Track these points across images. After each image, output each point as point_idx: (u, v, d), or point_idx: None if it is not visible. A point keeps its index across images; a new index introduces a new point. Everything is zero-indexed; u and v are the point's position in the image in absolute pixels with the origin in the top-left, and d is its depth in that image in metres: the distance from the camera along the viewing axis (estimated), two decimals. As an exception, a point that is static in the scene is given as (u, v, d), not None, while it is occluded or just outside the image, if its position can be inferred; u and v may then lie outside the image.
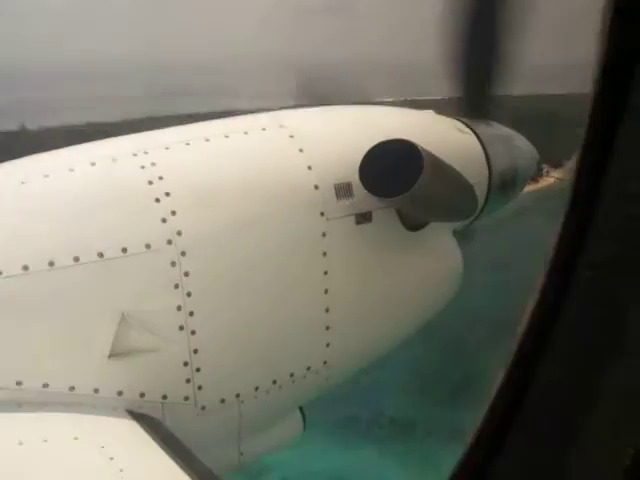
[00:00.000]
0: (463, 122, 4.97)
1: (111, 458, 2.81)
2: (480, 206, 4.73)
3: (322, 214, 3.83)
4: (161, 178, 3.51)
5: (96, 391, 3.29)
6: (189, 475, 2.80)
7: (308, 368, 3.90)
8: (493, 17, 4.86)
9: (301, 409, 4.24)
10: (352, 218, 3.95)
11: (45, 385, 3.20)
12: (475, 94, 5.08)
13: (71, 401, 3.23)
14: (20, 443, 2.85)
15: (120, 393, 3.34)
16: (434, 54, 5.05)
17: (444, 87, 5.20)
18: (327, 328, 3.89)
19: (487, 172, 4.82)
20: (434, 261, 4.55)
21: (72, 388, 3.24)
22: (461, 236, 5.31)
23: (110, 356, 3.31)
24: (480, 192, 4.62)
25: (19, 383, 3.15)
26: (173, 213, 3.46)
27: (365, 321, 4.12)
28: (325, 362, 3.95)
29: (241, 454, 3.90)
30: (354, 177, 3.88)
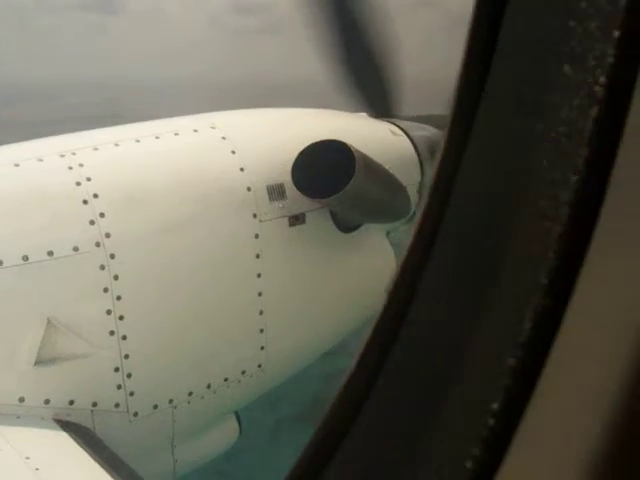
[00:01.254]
0: (396, 124, 5.00)
1: (37, 469, 2.71)
2: (413, 207, 4.75)
3: (255, 216, 3.80)
4: (89, 179, 3.42)
5: (21, 400, 3.18)
6: None
7: (243, 372, 3.85)
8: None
9: (237, 414, 4.19)
10: (285, 220, 3.93)
11: None
12: (376, 98, 5.11)
13: None
14: None
15: (47, 401, 3.23)
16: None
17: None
18: (261, 331, 3.86)
19: (420, 174, 4.86)
20: (368, 262, 4.56)
21: None
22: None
23: (36, 363, 3.21)
24: (413, 194, 4.64)
25: None
26: (102, 215, 3.37)
27: (300, 323, 4.10)
28: (260, 365, 3.91)
29: (175, 461, 3.83)
30: (287, 178, 3.86)
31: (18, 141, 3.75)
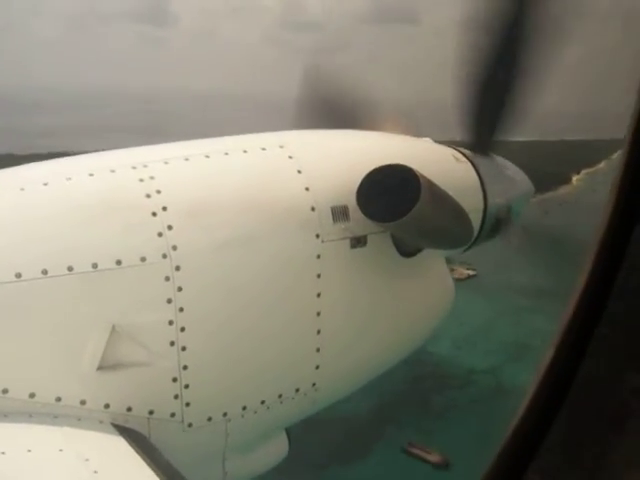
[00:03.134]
0: (460, 151, 5.00)
1: (95, 472, 2.77)
2: (475, 234, 4.74)
3: (317, 236, 3.83)
4: (159, 192, 3.51)
5: (83, 403, 3.26)
6: None
7: (297, 390, 3.88)
8: (510, 61, 4.84)
9: (287, 430, 4.21)
10: (347, 241, 3.95)
11: (31, 395, 3.16)
12: (482, 134, 5.08)
13: (57, 412, 3.20)
14: (3, 453, 2.81)
15: (107, 406, 3.31)
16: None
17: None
18: (317, 350, 3.88)
19: (483, 201, 4.84)
20: (426, 286, 4.55)
21: (59, 399, 3.21)
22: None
23: (99, 368, 3.28)
24: (475, 221, 4.63)
25: (5, 391, 3.12)
26: (169, 227, 3.45)
27: (355, 345, 4.11)
28: (314, 384, 3.93)
29: (226, 473, 3.87)
30: (351, 200, 3.89)
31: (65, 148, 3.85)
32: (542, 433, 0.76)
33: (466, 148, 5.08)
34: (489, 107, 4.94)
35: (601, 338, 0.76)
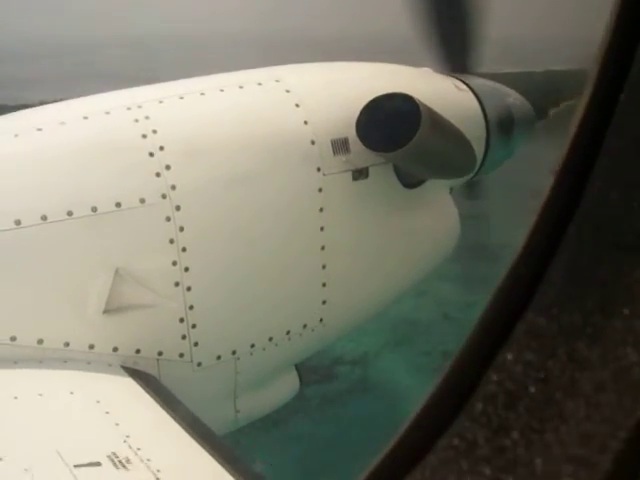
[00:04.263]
0: (460, 79, 4.91)
1: (107, 412, 2.80)
2: (478, 163, 4.68)
3: (318, 169, 3.79)
4: (155, 132, 3.46)
5: (91, 347, 3.27)
6: (186, 431, 2.79)
7: (304, 326, 3.88)
8: None
9: (297, 367, 4.23)
10: (349, 174, 3.90)
11: (40, 341, 3.18)
12: (456, 53, 5.02)
13: (66, 357, 3.22)
14: (15, 397, 2.83)
15: (115, 349, 3.32)
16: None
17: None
18: (323, 285, 3.87)
19: (485, 129, 4.77)
20: (431, 218, 4.52)
21: (67, 344, 3.22)
22: (469, 192, 5.28)
23: (105, 312, 3.29)
24: (478, 149, 4.57)
25: (13, 339, 3.13)
26: (167, 167, 3.41)
27: (361, 278, 4.09)
28: (321, 319, 3.93)
29: (237, 411, 3.89)
30: (351, 132, 3.83)
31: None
32: (544, 267, 0.72)
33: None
34: (453, 31, 4.89)
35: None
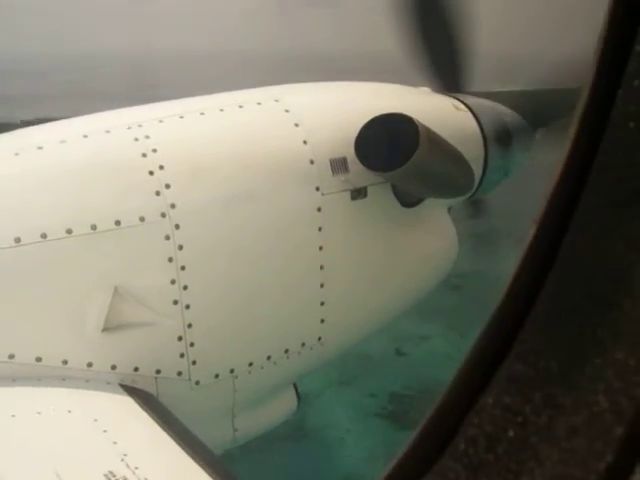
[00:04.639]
0: (459, 99, 4.94)
1: (104, 431, 2.80)
2: (476, 183, 4.70)
3: (317, 189, 3.81)
4: (155, 151, 3.48)
5: (89, 365, 3.28)
6: (183, 449, 2.79)
7: (303, 344, 3.89)
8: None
9: (295, 385, 4.23)
10: (347, 193, 3.93)
11: (38, 359, 3.19)
12: (448, 72, 5.06)
13: (64, 375, 3.22)
14: (13, 415, 2.84)
15: (114, 367, 3.32)
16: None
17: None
18: (322, 304, 3.88)
19: (483, 149, 4.79)
20: (429, 238, 4.53)
21: (65, 362, 3.23)
22: (471, 211, 5.29)
23: (103, 330, 3.30)
24: (476, 168, 4.59)
25: (11, 356, 3.14)
26: (167, 186, 3.43)
27: (359, 297, 4.11)
28: (320, 338, 3.94)
29: (235, 430, 3.90)
30: (349, 152, 3.85)
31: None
32: (523, 316, 0.74)
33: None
34: (443, 49, 4.94)
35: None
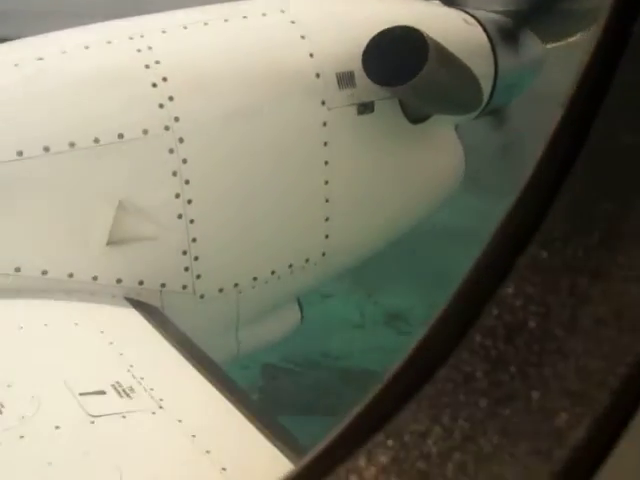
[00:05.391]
0: (470, 14, 4.81)
1: (111, 343, 2.84)
2: (485, 100, 4.62)
3: (323, 103, 3.74)
4: (158, 62, 3.41)
5: (95, 278, 3.29)
6: (188, 361, 2.83)
7: (307, 260, 3.89)
8: None
9: (299, 301, 4.26)
10: (354, 108, 3.86)
11: (44, 272, 3.20)
12: None
13: (70, 288, 3.24)
14: (21, 327, 2.87)
15: (119, 281, 3.34)
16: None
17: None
18: (326, 219, 3.86)
19: (493, 65, 4.69)
20: (436, 155, 4.48)
21: (71, 275, 3.25)
22: (492, 121, 5.20)
23: (108, 243, 3.30)
24: (486, 85, 4.50)
25: (18, 269, 3.15)
26: (170, 99, 3.37)
27: (364, 213, 4.09)
28: (324, 254, 3.93)
29: (239, 343, 3.94)
30: (357, 66, 3.76)
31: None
32: (549, 201, 0.72)
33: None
34: None
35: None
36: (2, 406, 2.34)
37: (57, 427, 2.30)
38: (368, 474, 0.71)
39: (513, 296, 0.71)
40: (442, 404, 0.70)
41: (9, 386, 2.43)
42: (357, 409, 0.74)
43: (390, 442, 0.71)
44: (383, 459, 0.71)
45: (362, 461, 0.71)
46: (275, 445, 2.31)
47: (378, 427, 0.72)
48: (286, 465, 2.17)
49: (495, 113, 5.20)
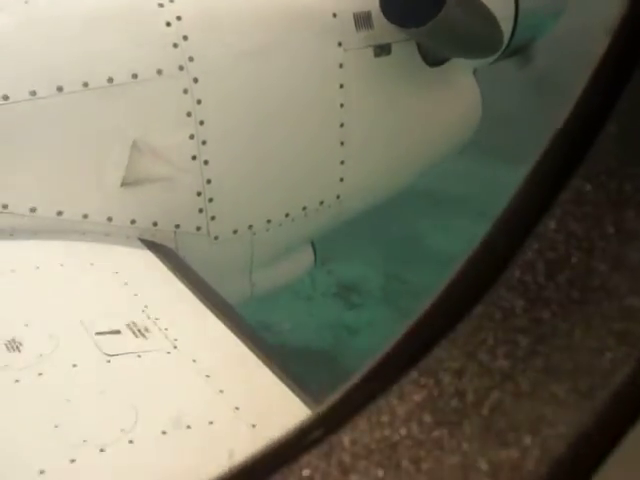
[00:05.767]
0: None
1: (125, 283, 2.84)
2: (505, 43, 4.52)
3: (340, 44, 3.68)
4: (172, 1, 3.34)
5: (109, 219, 3.28)
6: (202, 302, 2.84)
7: (321, 202, 3.87)
8: None
9: (313, 244, 4.25)
10: (371, 50, 3.79)
11: (59, 213, 3.19)
12: None
13: (85, 229, 3.24)
14: (37, 267, 2.88)
15: (133, 222, 3.33)
16: None
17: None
18: (342, 162, 3.83)
19: (514, 7, 4.59)
20: (453, 99, 4.42)
21: (85, 216, 3.24)
22: (518, 61, 5.09)
23: (122, 184, 3.28)
24: (506, 28, 4.41)
25: (33, 210, 3.15)
26: (185, 38, 3.31)
27: (380, 156, 4.05)
28: (338, 197, 3.91)
29: (253, 285, 3.95)
30: (374, 6, 3.69)
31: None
32: (593, 134, 0.69)
33: None
34: None
35: None
36: (20, 344, 2.35)
37: (74, 365, 2.32)
38: (400, 412, 0.70)
39: (555, 231, 0.68)
40: (479, 341, 0.69)
41: (27, 325, 2.45)
42: (388, 347, 0.72)
43: (423, 380, 0.70)
44: (416, 397, 0.69)
45: (394, 399, 0.70)
46: (288, 387, 2.32)
47: (411, 364, 0.70)
48: (299, 406, 2.19)
49: (520, 52, 5.09)
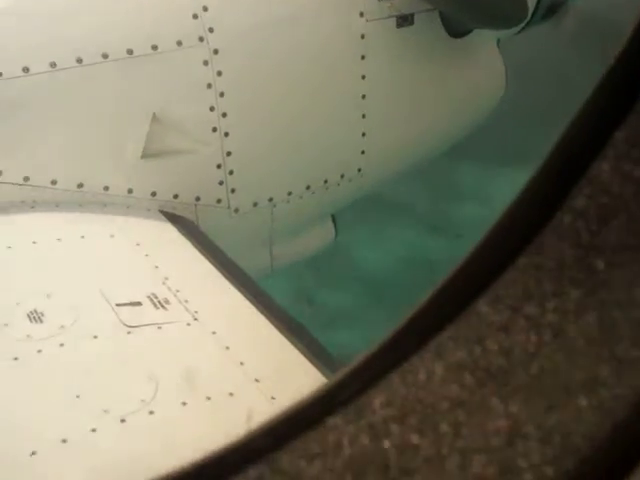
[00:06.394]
0: None
1: (146, 255, 2.84)
2: (529, 14, 4.44)
3: (361, 15, 3.61)
4: None
5: (130, 191, 3.27)
6: (222, 273, 2.82)
7: (342, 175, 3.83)
8: None
9: (333, 217, 4.22)
10: (393, 20, 3.73)
11: (80, 185, 3.18)
12: None
13: (105, 201, 3.23)
14: (59, 239, 2.87)
15: (154, 194, 3.31)
16: None
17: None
18: (363, 135, 3.78)
19: None
20: (476, 71, 4.34)
21: (106, 188, 3.23)
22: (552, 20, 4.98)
23: (143, 156, 3.26)
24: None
25: (54, 182, 3.14)
26: (205, 9, 3.27)
27: (401, 129, 3.99)
28: (359, 170, 3.87)
29: (273, 258, 3.93)
30: None
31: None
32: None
33: None
34: None
35: None
36: (42, 315, 2.36)
37: (95, 337, 2.32)
38: (438, 371, 0.65)
39: (608, 173, 0.63)
40: (526, 294, 0.64)
41: (48, 296, 2.45)
42: (423, 300, 0.68)
43: (464, 336, 0.65)
44: (456, 355, 0.65)
45: (431, 357, 0.66)
46: (309, 360, 2.31)
47: (449, 320, 0.66)
48: (319, 378, 2.17)
49: (554, 12, 4.96)
